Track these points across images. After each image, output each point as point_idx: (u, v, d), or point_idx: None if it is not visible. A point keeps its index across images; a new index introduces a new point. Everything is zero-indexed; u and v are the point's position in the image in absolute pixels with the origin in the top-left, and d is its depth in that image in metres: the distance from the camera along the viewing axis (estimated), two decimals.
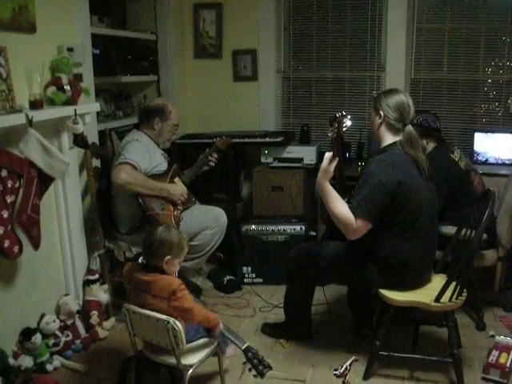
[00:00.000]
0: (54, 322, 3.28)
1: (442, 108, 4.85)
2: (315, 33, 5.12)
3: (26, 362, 3.01)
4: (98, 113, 3.98)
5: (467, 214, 3.05)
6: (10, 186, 2.81)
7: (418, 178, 2.86)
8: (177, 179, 3.86)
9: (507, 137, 4.49)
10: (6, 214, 2.80)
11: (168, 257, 2.60)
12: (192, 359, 2.60)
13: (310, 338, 3.44)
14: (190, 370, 2.57)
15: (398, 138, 2.92)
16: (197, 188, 4.18)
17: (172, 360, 2.56)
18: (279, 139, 4.71)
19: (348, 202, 2.84)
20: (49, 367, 3.11)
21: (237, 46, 5.21)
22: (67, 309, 3.41)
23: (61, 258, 3.53)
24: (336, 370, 3.07)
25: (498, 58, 4.66)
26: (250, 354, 2.70)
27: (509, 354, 3.03)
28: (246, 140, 4.75)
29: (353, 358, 3.17)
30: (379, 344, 2.96)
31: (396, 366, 3.08)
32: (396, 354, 3.01)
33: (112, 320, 3.65)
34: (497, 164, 4.50)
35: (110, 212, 3.80)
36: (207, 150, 4.08)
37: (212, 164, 4.07)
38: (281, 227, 4.29)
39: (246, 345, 2.73)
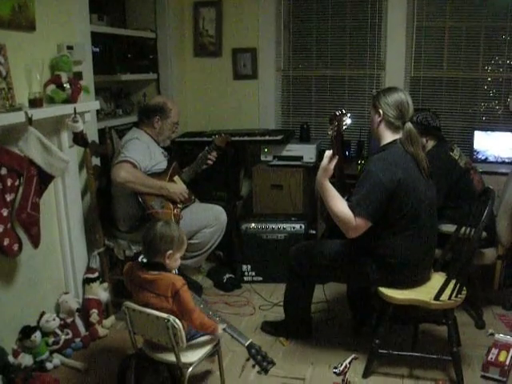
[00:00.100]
0: (53, 320, 3.28)
1: (442, 106, 4.85)
2: (315, 31, 5.12)
3: (26, 360, 3.01)
4: (97, 111, 3.98)
5: (467, 212, 3.05)
6: (9, 184, 2.81)
7: (417, 176, 2.86)
8: (176, 177, 3.86)
9: (507, 135, 4.50)
10: (5, 213, 2.80)
11: (170, 251, 2.60)
12: (192, 357, 2.60)
13: (309, 336, 3.44)
14: (190, 368, 2.56)
15: (397, 136, 2.92)
16: (196, 186, 4.18)
17: (172, 358, 2.55)
18: (279, 137, 4.71)
19: (347, 201, 2.84)
20: (48, 365, 3.11)
21: (237, 44, 5.21)
22: (67, 307, 3.41)
23: (60, 257, 3.53)
24: (335, 367, 3.06)
25: (497, 56, 4.67)
26: (253, 351, 2.70)
27: (508, 352, 3.03)
28: (246, 138, 4.76)
29: (352, 356, 3.16)
30: (379, 342, 2.96)
31: (395, 364, 3.09)
32: (395, 352, 3.01)
33: (112, 318, 3.66)
34: (496, 162, 4.50)
35: (110, 210, 3.80)
36: (206, 147, 4.08)
37: (211, 162, 4.07)
38: (280, 225, 4.29)
39: (249, 341, 2.73)
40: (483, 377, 2.98)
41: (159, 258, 2.61)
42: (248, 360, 3.06)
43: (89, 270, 3.67)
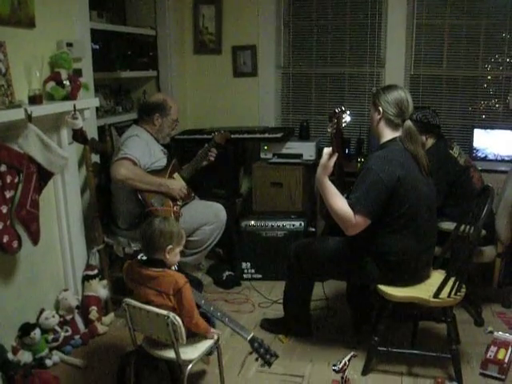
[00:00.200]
0: (53, 317, 3.28)
1: (442, 104, 4.85)
2: (315, 29, 5.13)
3: (26, 357, 3.01)
4: (97, 108, 3.98)
5: (466, 210, 3.05)
6: (9, 181, 2.81)
7: (417, 173, 2.86)
8: (176, 175, 3.86)
9: (506, 133, 4.50)
10: (5, 209, 2.80)
11: (170, 246, 2.61)
12: (192, 354, 2.59)
13: (308, 333, 3.44)
14: (190, 365, 2.56)
15: (397, 134, 2.92)
16: (196, 183, 4.18)
17: (171, 355, 2.55)
18: (279, 135, 4.71)
19: (347, 198, 2.84)
20: (48, 362, 3.11)
21: (236, 41, 5.21)
22: (66, 304, 3.41)
23: (60, 254, 3.53)
24: (335, 365, 3.05)
25: (497, 54, 4.67)
26: (255, 344, 2.70)
27: (507, 350, 3.03)
28: (246, 136, 4.76)
29: (351, 353, 3.15)
30: (378, 340, 2.96)
31: (394, 361, 3.09)
32: (395, 350, 3.02)
33: (111, 315, 3.66)
34: (496, 160, 4.50)
35: (110, 207, 3.80)
36: (206, 145, 4.08)
37: (211, 159, 4.08)
38: (280, 223, 4.29)
39: (251, 335, 2.73)
40: (482, 374, 2.98)
41: (159, 254, 2.61)
42: (251, 353, 3.07)
43: (88, 267, 3.67)
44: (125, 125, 4.43)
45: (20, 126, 2.85)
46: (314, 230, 4.53)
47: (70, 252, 3.55)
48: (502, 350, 3.03)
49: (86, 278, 3.60)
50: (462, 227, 3.01)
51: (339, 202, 2.80)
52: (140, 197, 3.54)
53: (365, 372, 3.03)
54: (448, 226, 3.32)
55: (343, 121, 2.82)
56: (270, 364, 2.68)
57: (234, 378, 3.03)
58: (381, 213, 2.81)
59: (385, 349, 2.99)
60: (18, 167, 2.85)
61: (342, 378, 2.91)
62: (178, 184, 3.76)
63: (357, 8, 4.95)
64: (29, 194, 2.93)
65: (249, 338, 2.72)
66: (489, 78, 4.74)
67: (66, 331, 3.33)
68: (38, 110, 2.91)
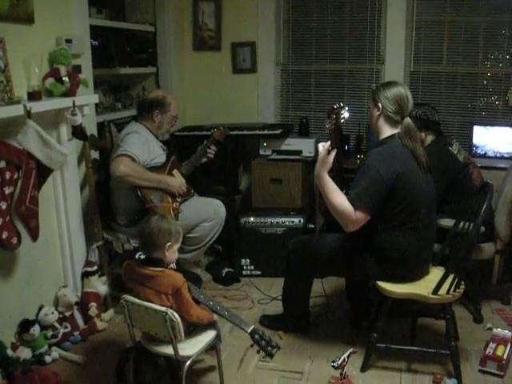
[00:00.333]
0: (52, 313, 3.28)
1: (441, 101, 4.85)
2: (314, 25, 5.11)
3: (25, 353, 3.01)
4: (96, 104, 3.97)
5: (465, 206, 3.05)
6: (8, 177, 2.81)
7: (416, 170, 2.86)
8: (175, 171, 3.86)
9: (506, 130, 4.49)
10: (4, 206, 2.80)
11: (169, 243, 2.62)
12: (190, 350, 2.60)
13: (308, 330, 3.45)
14: (188, 362, 2.57)
15: (396, 131, 2.92)
16: (195, 180, 4.18)
17: (170, 351, 2.56)
18: (278, 131, 4.70)
19: (346, 194, 2.84)
20: (47, 359, 3.11)
21: (236, 38, 5.19)
22: (66, 300, 3.42)
23: (59, 250, 3.53)
24: (334, 361, 3.06)
25: (497, 51, 4.66)
26: (256, 337, 2.70)
27: (506, 347, 3.04)
28: (245, 132, 4.75)
29: (350, 349, 3.16)
30: (377, 336, 2.96)
31: (393, 357, 3.09)
32: (393, 346, 3.02)
33: (110, 312, 3.66)
34: (495, 157, 4.51)
35: (109, 204, 3.80)
36: (205, 141, 4.08)
37: (210, 156, 4.08)
38: (279, 219, 4.30)
39: (251, 327, 2.73)
40: (481, 371, 2.99)
41: (158, 253, 2.62)
42: (252, 346, 3.07)
43: (88, 263, 3.67)
44: (124, 121, 4.42)
45: (19, 122, 2.84)
46: (313, 226, 4.53)
47: (69, 248, 3.55)
48: (501, 347, 3.03)
49: (86, 275, 3.60)
50: (461, 224, 3.01)
51: (339, 198, 2.80)
52: (139, 193, 3.54)
53: (364, 368, 3.03)
54: (447, 222, 3.32)
55: (342, 117, 2.81)
56: (271, 355, 2.68)
57: (233, 374, 3.03)
58: (380, 209, 2.81)
59: (384, 345, 3.00)
60: (18, 163, 2.85)
61: (341, 374, 2.91)
62: (177, 181, 3.76)
63: (356, 4, 4.93)
64: (28, 190, 2.93)
65: (249, 331, 2.72)
66: (488, 74, 4.74)
67: (66, 327, 3.33)
68: (37, 107, 2.91)
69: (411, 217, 2.85)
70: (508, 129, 4.49)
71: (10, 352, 2.94)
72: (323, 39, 5.11)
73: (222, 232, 3.98)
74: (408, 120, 2.89)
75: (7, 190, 2.82)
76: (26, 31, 3.05)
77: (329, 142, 2.77)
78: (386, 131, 2.95)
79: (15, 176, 2.86)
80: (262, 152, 4.82)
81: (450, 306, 2.95)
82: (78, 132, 3.29)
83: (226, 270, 4.27)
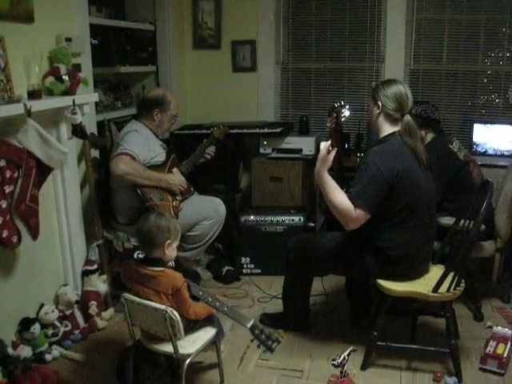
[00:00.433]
0: (52, 312, 3.29)
1: (442, 99, 4.84)
2: (314, 24, 5.11)
3: (25, 351, 3.02)
4: (96, 103, 3.97)
5: (466, 204, 3.05)
6: (8, 176, 2.81)
7: (416, 168, 2.86)
8: (175, 170, 3.86)
9: (506, 128, 4.49)
10: (4, 204, 2.80)
11: (168, 241, 2.62)
12: (190, 349, 2.60)
13: (308, 328, 3.45)
14: (188, 360, 2.57)
15: (396, 129, 2.92)
16: (195, 178, 4.18)
17: (170, 349, 2.56)
18: (278, 130, 4.70)
19: (346, 192, 2.84)
20: (48, 357, 3.12)
21: (236, 36, 5.19)
22: (66, 299, 3.42)
23: (59, 249, 3.54)
24: (334, 360, 3.08)
25: (497, 49, 4.66)
26: (256, 331, 2.69)
27: (506, 345, 3.04)
28: (245, 131, 4.75)
29: (351, 348, 3.18)
30: (377, 334, 2.96)
31: (394, 356, 3.09)
32: (394, 345, 3.02)
33: (111, 310, 3.66)
34: (496, 155, 4.50)
35: (109, 202, 3.80)
36: (205, 140, 4.08)
37: (209, 156, 4.08)
38: (279, 218, 4.30)
39: (251, 322, 2.72)
40: (481, 369, 2.99)
41: (158, 251, 2.63)
42: (252, 341, 3.07)
43: (88, 262, 3.67)
44: (124, 120, 4.42)
45: (19, 120, 2.85)
46: (313, 225, 4.53)
47: (69, 247, 3.55)
48: (501, 345, 3.03)
49: (86, 273, 3.61)
50: (462, 222, 3.02)
51: (339, 197, 2.80)
52: (139, 192, 3.54)
53: (364, 367, 3.03)
54: (447, 220, 3.32)
55: (342, 115, 2.81)
56: (272, 350, 2.67)
57: (233, 372, 3.03)
58: (380, 207, 2.81)
59: (384, 343, 3.00)
60: (18, 162, 2.85)
61: (341, 372, 2.93)
62: (177, 179, 3.76)
63: (356, 2, 4.92)
64: (28, 188, 2.93)
65: (249, 326, 2.72)
66: (489, 72, 4.74)
67: (66, 326, 3.34)
68: (37, 105, 2.91)
69: (411, 215, 2.85)
70: (508, 127, 4.48)
71: (10, 350, 2.95)
72: (323, 37, 5.11)
73: (222, 230, 3.98)
74: (408, 117, 2.89)
75: (7, 189, 2.82)
76: (25, 30, 3.05)
77: (330, 141, 2.77)
78: (386, 129, 2.94)
79: (15, 175, 2.86)
80: (262, 150, 4.82)
81: (450, 304, 2.95)
82: (77, 131, 3.30)
83: (227, 268, 4.27)
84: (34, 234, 3.05)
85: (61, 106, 3.18)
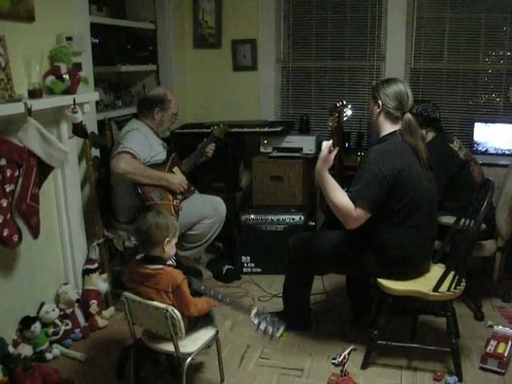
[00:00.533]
0: (53, 310, 3.29)
1: (442, 98, 4.84)
2: (315, 22, 5.11)
3: (26, 350, 3.02)
4: (97, 102, 3.97)
5: (466, 203, 3.04)
6: (9, 174, 2.81)
7: (417, 166, 2.86)
8: (176, 169, 3.86)
9: (507, 127, 4.49)
10: (5, 203, 2.80)
11: (167, 238, 2.63)
12: (191, 347, 2.60)
13: (308, 327, 3.45)
14: (189, 359, 2.58)
15: (397, 127, 2.92)
16: (196, 177, 4.18)
17: (171, 348, 2.56)
18: (279, 129, 4.70)
19: (347, 191, 2.84)
20: (48, 356, 3.12)
21: (236, 35, 5.19)
22: (67, 298, 3.42)
23: (60, 247, 3.53)
24: (334, 359, 3.08)
25: (498, 48, 4.66)
26: (257, 321, 2.70)
27: (507, 344, 3.03)
28: (246, 130, 4.75)
29: (351, 347, 3.18)
30: (377, 333, 2.96)
31: (394, 355, 3.09)
32: (394, 344, 3.02)
33: (111, 309, 3.66)
34: (496, 154, 4.50)
35: (110, 201, 3.80)
36: (205, 139, 4.08)
37: (209, 155, 4.07)
38: (280, 217, 4.30)
39: (254, 310, 2.72)
40: (482, 368, 2.99)
41: (157, 249, 2.63)
42: (256, 331, 3.07)
43: (88, 260, 3.67)
44: (124, 119, 4.42)
45: (20, 119, 2.84)
46: (313, 223, 4.53)
47: (70, 246, 3.55)
48: (502, 344, 3.03)
49: (86, 272, 3.61)
50: (462, 221, 3.01)
51: (339, 196, 2.80)
52: (140, 191, 3.54)
53: (364, 365, 3.03)
54: (448, 219, 3.31)
55: (344, 115, 2.82)
56: (276, 337, 2.69)
57: (233, 371, 3.03)
58: (381, 206, 2.81)
59: (384, 342, 2.99)
60: (18, 161, 2.85)
61: (342, 371, 2.92)
62: (177, 178, 3.76)
63: (357, 1, 4.93)
64: (29, 187, 2.93)
65: (251, 315, 2.72)
66: (489, 71, 4.73)
67: (67, 325, 3.34)
68: (37, 104, 2.91)
69: (412, 214, 2.85)
70: (509, 125, 4.48)
71: (11, 349, 2.95)
72: (323, 36, 5.11)
73: (223, 229, 3.98)
74: (409, 115, 2.89)
75: (8, 188, 2.82)
76: (26, 29, 3.05)
77: (331, 141, 2.77)
78: (387, 128, 2.94)
79: (16, 173, 2.86)
80: (262, 149, 4.82)
81: (451, 304, 2.94)
82: (78, 130, 3.30)
83: (227, 267, 4.27)
84: (35, 233, 3.05)
85: (61, 105, 3.18)
